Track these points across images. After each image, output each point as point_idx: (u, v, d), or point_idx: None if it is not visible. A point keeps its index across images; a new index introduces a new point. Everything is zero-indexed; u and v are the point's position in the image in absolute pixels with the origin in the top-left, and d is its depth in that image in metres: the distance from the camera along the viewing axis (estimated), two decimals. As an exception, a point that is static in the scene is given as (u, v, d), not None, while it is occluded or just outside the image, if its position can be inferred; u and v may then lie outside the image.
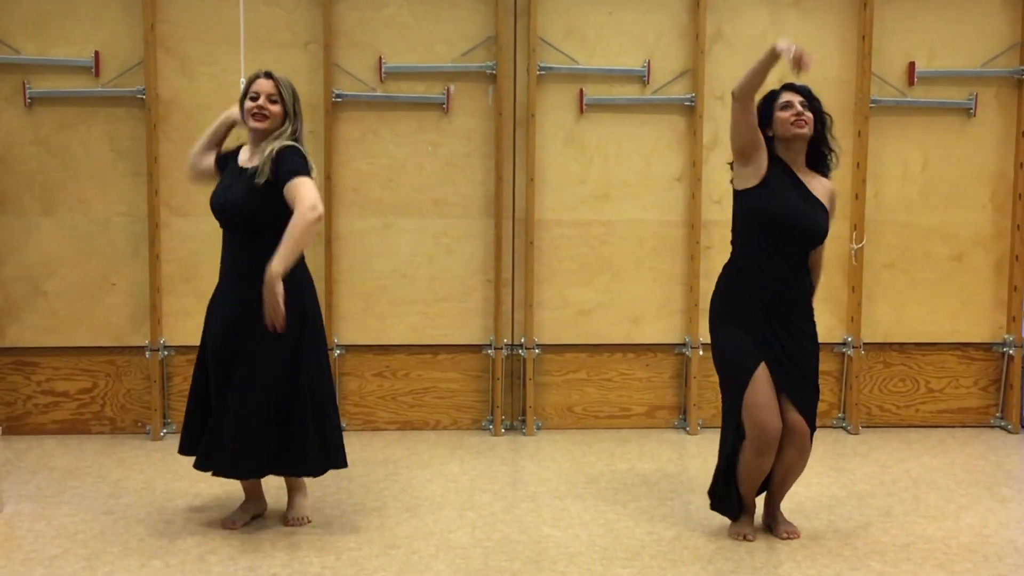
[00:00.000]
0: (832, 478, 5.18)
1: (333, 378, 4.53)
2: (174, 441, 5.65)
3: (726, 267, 4.34)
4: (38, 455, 5.44)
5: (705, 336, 5.89)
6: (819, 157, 4.31)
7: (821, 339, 5.90)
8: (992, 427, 6.11)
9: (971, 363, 6.11)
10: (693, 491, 4.92)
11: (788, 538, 4.33)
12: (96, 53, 5.64)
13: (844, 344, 5.99)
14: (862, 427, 6.01)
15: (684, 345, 5.96)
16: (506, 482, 5.09)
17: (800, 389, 4.22)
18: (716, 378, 5.93)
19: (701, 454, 5.54)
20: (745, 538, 4.31)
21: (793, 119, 4.17)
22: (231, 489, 4.85)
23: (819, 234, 4.25)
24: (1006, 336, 6.06)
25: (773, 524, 4.41)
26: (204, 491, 4.88)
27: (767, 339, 4.19)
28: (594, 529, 4.45)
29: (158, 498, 4.80)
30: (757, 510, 4.43)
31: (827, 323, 5.95)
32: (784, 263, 4.20)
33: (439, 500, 4.80)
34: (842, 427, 6.04)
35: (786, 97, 4.23)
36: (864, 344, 5.99)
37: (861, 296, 5.96)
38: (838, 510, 4.71)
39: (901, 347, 6.08)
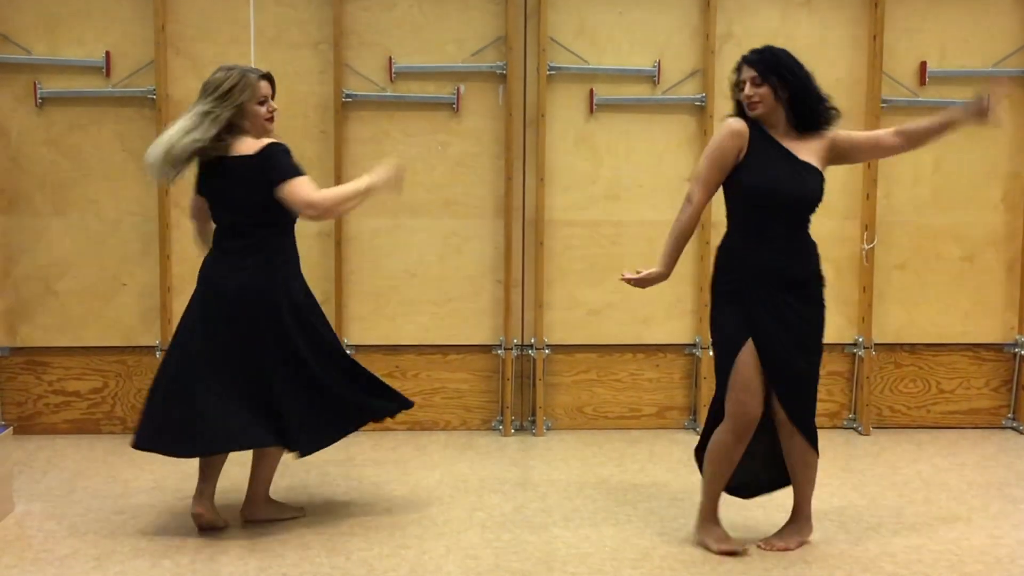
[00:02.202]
0: (843, 479, 5.16)
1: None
2: (184, 441, 5.68)
3: (720, 247, 4.19)
4: (49, 455, 5.45)
5: (715, 337, 5.91)
6: (805, 118, 4.11)
7: (832, 340, 5.95)
8: (1004, 428, 6.09)
9: (982, 364, 6.09)
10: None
11: (766, 548, 4.21)
12: (107, 53, 5.65)
13: (855, 345, 5.97)
14: (873, 428, 5.99)
15: (694, 346, 5.95)
16: (516, 483, 5.09)
17: (784, 380, 4.09)
18: (727, 379, 5.98)
19: (711, 455, 5.53)
20: (733, 553, 4.14)
21: (747, 102, 4.07)
22: (243, 489, 4.87)
23: (808, 199, 4.07)
24: (1018, 337, 6.04)
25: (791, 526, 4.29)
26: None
27: (760, 318, 4.05)
28: (604, 530, 4.45)
29: (168, 498, 4.81)
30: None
31: (838, 324, 5.96)
32: (778, 237, 4.05)
33: (449, 500, 4.80)
34: (853, 428, 6.02)
35: (741, 75, 4.10)
36: (875, 345, 5.98)
37: (872, 297, 5.94)
38: (849, 512, 4.70)
39: (912, 348, 6.06)
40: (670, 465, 5.37)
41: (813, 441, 4.19)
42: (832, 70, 5.86)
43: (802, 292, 4.12)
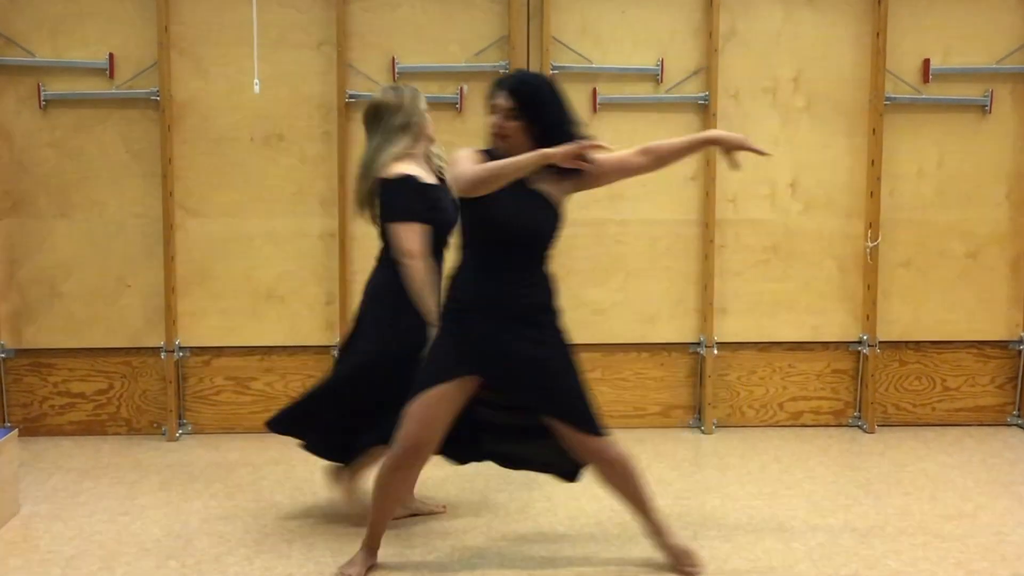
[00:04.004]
0: (848, 477, 5.16)
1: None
2: (190, 442, 5.70)
3: (454, 270, 3.93)
4: (55, 456, 5.46)
5: (720, 335, 5.91)
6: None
7: (836, 337, 5.98)
8: (1009, 425, 6.08)
9: (987, 361, 6.08)
10: (708, 491, 4.92)
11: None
12: (110, 55, 5.66)
13: (859, 343, 5.97)
14: (878, 426, 5.98)
15: (699, 344, 5.94)
16: (521, 482, 5.08)
17: (544, 404, 3.84)
18: (731, 377, 5.98)
19: (716, 453, 5.53)
20: None
21: (495, 130, 3.76)
22: (248, 490, 4.88)
23: (539, 232, 3.79)
24: (1022, 334, 6.03)
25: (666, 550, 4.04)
26: (220, 491, 4.90)
27: (485, 353, 3.79)
28: (609, 529, 4.45)
29: (174, 499, 4.82)
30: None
31: (842, 321, 5.96)
32: (505, 270, 3.79)
33: (454, 500, 4.80)
34: (858, 426, 6.02)
35: (496, 99, 3.77)
36: (880, 342, 5.97)
37: (876, 294, 5.93)
38: (855, 509, 4.70)
39: (917, 345, 6.05)
40: (675, 464, 5.37)
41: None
42: (835, 67, 5.86)
43: (535, 321, 3.83)
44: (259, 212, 5.75)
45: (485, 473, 5.20)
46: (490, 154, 3.77)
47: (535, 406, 3.88)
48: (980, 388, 6.08)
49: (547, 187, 3.82)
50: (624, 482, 3.96)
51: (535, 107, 3.73)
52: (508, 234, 3.77)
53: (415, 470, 4.02)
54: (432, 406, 3.79)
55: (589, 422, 3.89)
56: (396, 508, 4.06)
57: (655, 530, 4.04)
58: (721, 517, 4.58)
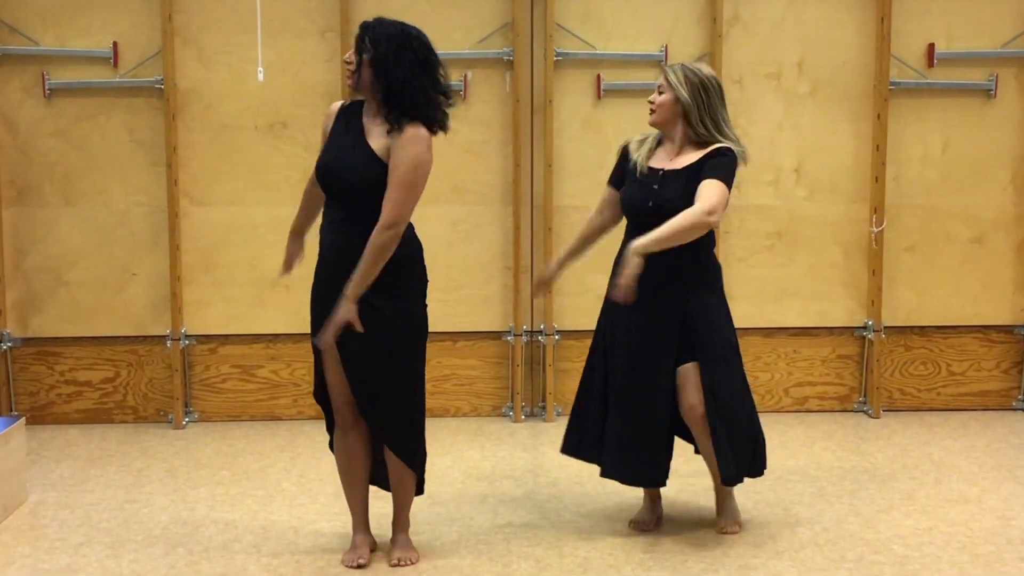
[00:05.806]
0: (853, 462, 5.17)
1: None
2: (197, 429, 5.72)
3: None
4: (62, 444, 5.48)
5: (725, 321, 5.91)
6: (391, 106, 3.80)
7: (841, 323, 5.97)
8: (1014, 410, 6.07)
9: (992, 346, 6.08)
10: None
11: (399, 564, 3.95)
12: (114, 44, 5.66)
13: (864, 328, 5.97)
14: (883, 411, 5.99)
15: (704, 330, 5.94)
16: (527, 468, 5.10)
17: (360, 377, 3.76)
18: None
19: (722, 439, 5.54)
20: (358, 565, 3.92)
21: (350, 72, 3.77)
22: (255, 477, 4.89)
23: (338, 179, 3.72)
24: (1028, 318, 6.04)
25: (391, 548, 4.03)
26: (226, 479, 4.91)
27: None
28: (615, 514, 4.46)
29: (181, 486, 4.83)
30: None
31: (847, 307, 5.96)
32: (333, 220, 3.78)
33: (460, 487, 4.82)
34: (863, 411, 6.02)
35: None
36: (885, 328, 5.97)
37: (881, 279, 5.93)
38: (860, 494, 4.70)
39: (922, 330, 6.05)
40: (679, 449, 5.35)
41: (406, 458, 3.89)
42: (840, 52, 5.85)
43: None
44: (263, 200, 5.75)
45: (491, 459, 5.22)
46: (358, 103, 3.87)
47: (353, 384, 3.79)
48: (985, 373, 6.08)
49: (377, 141, 3.75)
50: (407, 484, 3.95)
51: (366, 46, 3.85)
52: (327, 182, 3.79)
53: (345, 432, 3.90)
54: (326, 370, 3.84)
55: (402, 436, 3.87)
56: (353, 484, 3.96)
57: (396, 521, 4.01)
58: (726, 502, 4.59)
